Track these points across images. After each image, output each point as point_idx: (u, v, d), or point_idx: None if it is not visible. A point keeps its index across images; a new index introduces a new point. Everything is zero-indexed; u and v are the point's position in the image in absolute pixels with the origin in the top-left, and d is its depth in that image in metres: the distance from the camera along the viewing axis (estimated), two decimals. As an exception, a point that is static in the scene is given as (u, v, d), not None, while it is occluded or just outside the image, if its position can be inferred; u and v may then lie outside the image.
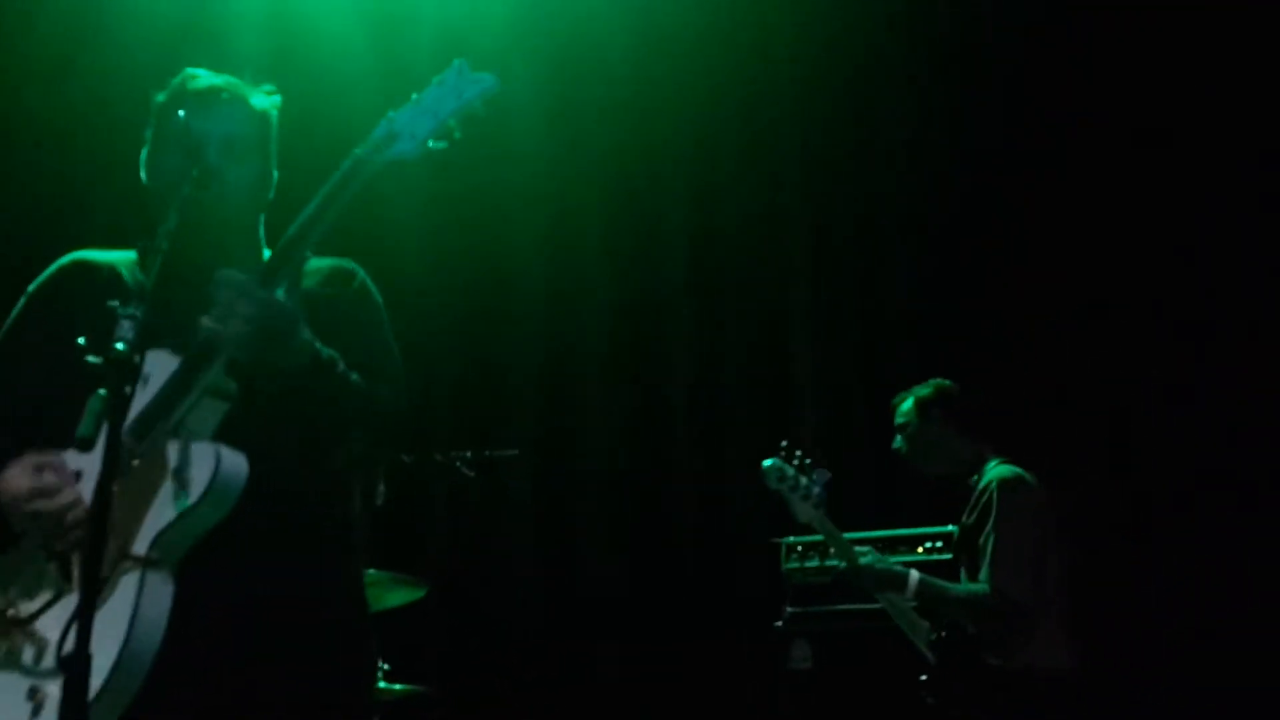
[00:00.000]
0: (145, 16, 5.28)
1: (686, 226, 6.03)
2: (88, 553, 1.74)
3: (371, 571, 4.54)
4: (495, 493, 5.61)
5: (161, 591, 1.97)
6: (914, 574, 3.85)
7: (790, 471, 3.87)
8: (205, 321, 2.02)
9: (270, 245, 2.36)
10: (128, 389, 1.82)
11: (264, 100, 2.37)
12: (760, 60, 5.83)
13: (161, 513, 1.98)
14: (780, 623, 4.50)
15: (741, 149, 5.93)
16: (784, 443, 3.96)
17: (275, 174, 2.39)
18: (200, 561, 2.02)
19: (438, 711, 5.35)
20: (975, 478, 4.04)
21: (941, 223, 5.57)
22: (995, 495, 3.89)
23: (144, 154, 2.35)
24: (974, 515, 3.96)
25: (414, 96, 2.12)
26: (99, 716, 1.87)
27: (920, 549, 4.39)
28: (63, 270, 2.34)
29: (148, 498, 2.00)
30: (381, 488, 4.58)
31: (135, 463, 2.03)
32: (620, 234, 5.99)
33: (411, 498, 5.39)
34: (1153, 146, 5.14)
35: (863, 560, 3.87)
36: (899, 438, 4.20)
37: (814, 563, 4.54)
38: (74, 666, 1.71)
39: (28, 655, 2.02)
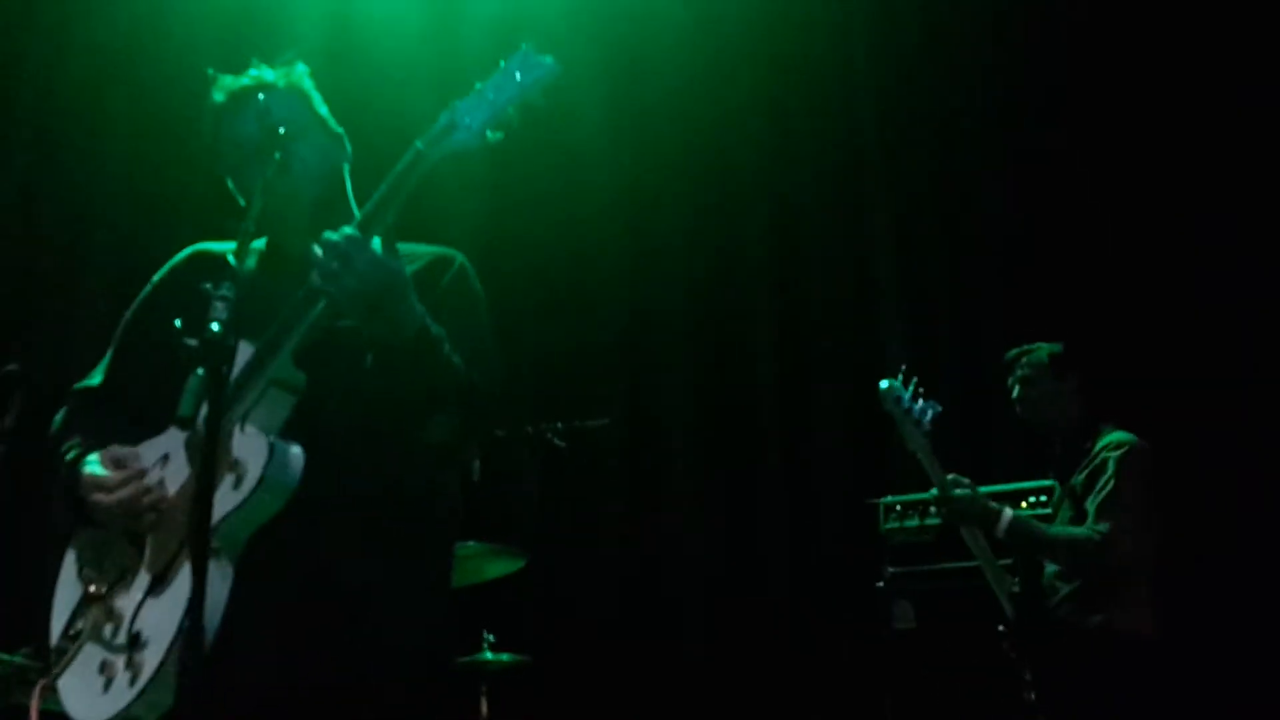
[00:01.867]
0: (204, 8, 5.37)
1: (766, 189, 5.97)
2: (194, 531, 1.77)
3: (471, 544, 4.58)
4: (587, 462, 5.62)
5: (220, 581, 1.99)
6: (1008, 511, 3.80)
7: (905, 395, 3.82)
8: (314, 279, 2.03)
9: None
10: (224, 368, 1.84)
11: (288, 77, 2.36)
12: (832, 17, 5.73)
13: (219, 504, 1.99)
14: (882, 583, 4.45)
15: (817, 108, 5.84)
16: (903, 367, 3.90)
17: (340, 131, 2.38)
18: (260, 557, 2.05)
19: (540, 680, 5.40)
20: (1089, 442, 3.99)
21: (1026, 173, 5.43)
22: (1114, 456, 3.86)
23: (231, 183, 2.38)
24: (1084, 475, 3.92)
25: (477, 85, 2.07)
26: (156, 695, 1.94)
27: (1023, 504, 4.30)
28: (182, 261, 2.39)
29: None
30: (476, 464, 4.61)
31: None
32: (700, 200, 5.95)
33: (505, 470, 5.42)
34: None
35: (956, 492, 3.80)
36: (1019, 388, 4.13)
37: (913, 522, 4.48)
38: (187, 639, 1.75)
39: (106, 630, 2.09)
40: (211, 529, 1.91)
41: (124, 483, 2.14)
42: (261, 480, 1.99)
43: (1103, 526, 3.76)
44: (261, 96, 2.30)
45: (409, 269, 2.21)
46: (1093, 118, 5.29)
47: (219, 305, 1.87)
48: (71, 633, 2.14)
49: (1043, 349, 4.15)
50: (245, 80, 2.34)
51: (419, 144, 2.10)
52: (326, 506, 2.07)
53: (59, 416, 2.37)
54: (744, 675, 5.43)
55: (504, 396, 2.34)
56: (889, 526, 4.52)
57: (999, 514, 3.79)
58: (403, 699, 2.14)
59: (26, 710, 3.79)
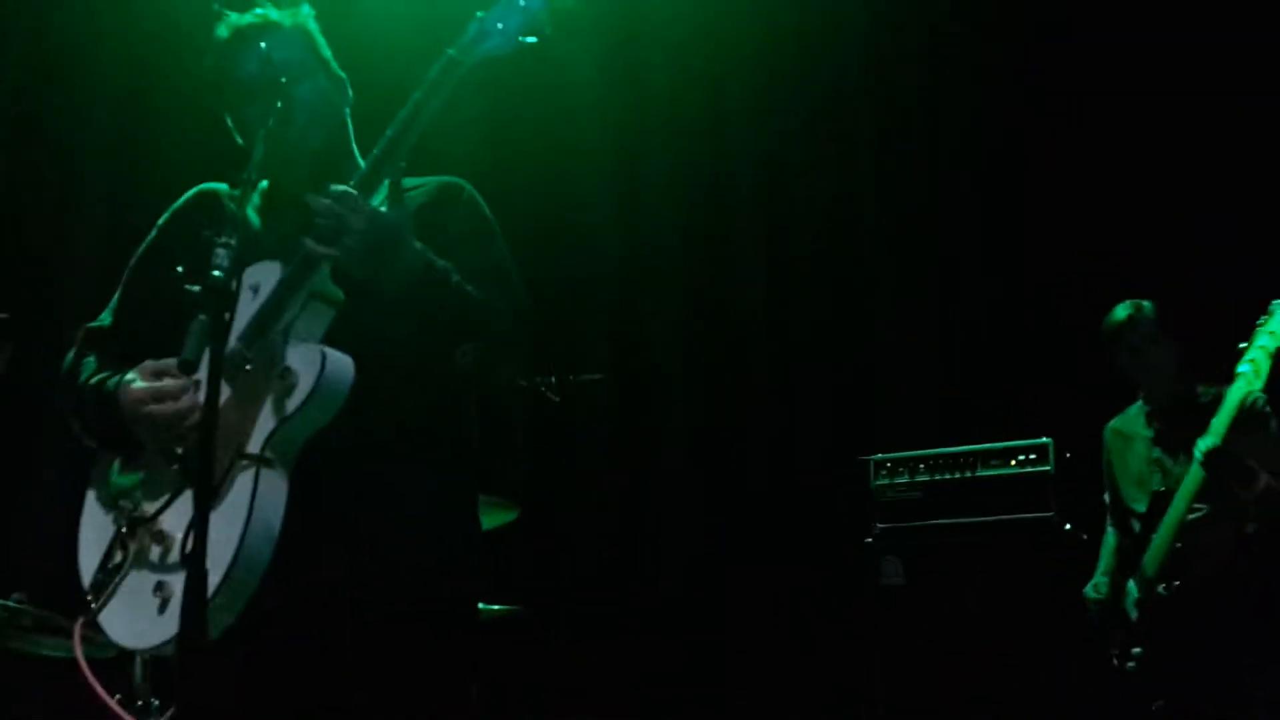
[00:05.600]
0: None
1: (758, 145, 5.94)
2: (200, 465, 1.79)
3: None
4: (580, 415, 5.63)
5: (277, 489, 2.02)
6: (1263, 474, 3.78)
7: None
8: (309, 244, 2.04)
9: (364, 153, 2.34)
10: (226, 314, 1.86)
11: (294, 17, 2.35)
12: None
13: (271, 414, 2.04)
14: (870, 539, 4.48)
15: (806, 58, 5.79)
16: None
17: (343, 75, 2.38)
18: (312, 467, 2.06)
19: (530, 631, 5.43)
20: (1191, 391, 4.01)
21: (1013, 120, 5.41)
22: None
23: (229, 120, 2.37)
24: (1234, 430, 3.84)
25: None
26: (218, 612, 1.92)
27: (1013, 462, 4.33)
28: (188, 203, 2.39)
29: (260, 400, 2.05)
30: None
31: (248, 367, 2.09)
32: (691, 154, 5.93)
33: (498, 421, 5.44)
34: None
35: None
36: (1125, 350, 4.12)
37: (903, 479, 4.50)
38: (192, 568, 1.75)
39: (155, 553, 2.09)
40: (265, 439, 1.99)
41: (182, 390, 2.10)
42: (315, 389, 2.02)
43: None
44: (263, 44, 2.27)
45: (412, 197, 2.24)
46: (1089, 61, 5.25)
47: (221, 252, 1.88)
48: (110, 565, 2.12)
49: (1147, 303, 4.15)
50: (250, 18, 2.32)
51: (451, 51, 2.11)
52: (371, 416, 2.09)
53: (70, 355, 2.35)
54: (732, 630, 5.46)
55: (529, 319, 2.36)
56: (878, 483, 4.54)
57: (1257, 473, 3.79)
58: (449, 609, 2.21)
59: (18, 655, 3.80)
